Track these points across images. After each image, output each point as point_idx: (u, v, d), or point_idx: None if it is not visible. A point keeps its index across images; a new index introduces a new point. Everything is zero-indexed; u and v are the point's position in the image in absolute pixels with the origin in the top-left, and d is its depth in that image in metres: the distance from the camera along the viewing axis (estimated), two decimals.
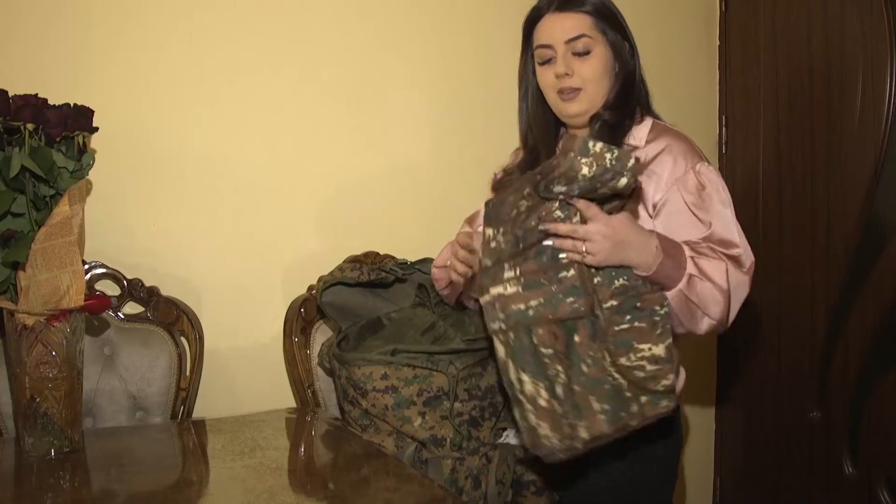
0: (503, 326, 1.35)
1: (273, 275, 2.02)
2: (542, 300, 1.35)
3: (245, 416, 1.80)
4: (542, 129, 1.64)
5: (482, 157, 2.00)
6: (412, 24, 2.13)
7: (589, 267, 1.37)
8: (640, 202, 1.52)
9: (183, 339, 1.89)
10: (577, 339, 1.35)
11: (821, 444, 2.23)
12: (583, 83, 1.54)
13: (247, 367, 1.99)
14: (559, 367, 1.34)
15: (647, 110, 1.62)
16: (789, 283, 2.32)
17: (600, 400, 1.34)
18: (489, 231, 1.37)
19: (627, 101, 1.58)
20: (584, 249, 1.34)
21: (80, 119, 1.51)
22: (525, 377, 1.34)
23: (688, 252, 1.42)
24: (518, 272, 1.36)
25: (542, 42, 1.56)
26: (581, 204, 1.33)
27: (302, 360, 1.93)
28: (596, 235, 1.33)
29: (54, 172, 1.47)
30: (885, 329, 2.06)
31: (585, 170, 1.28)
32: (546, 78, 1.58)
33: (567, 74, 1.54)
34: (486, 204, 1.39)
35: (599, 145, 1.28)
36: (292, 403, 1.98)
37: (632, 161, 1.29)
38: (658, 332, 1.36)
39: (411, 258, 1.94)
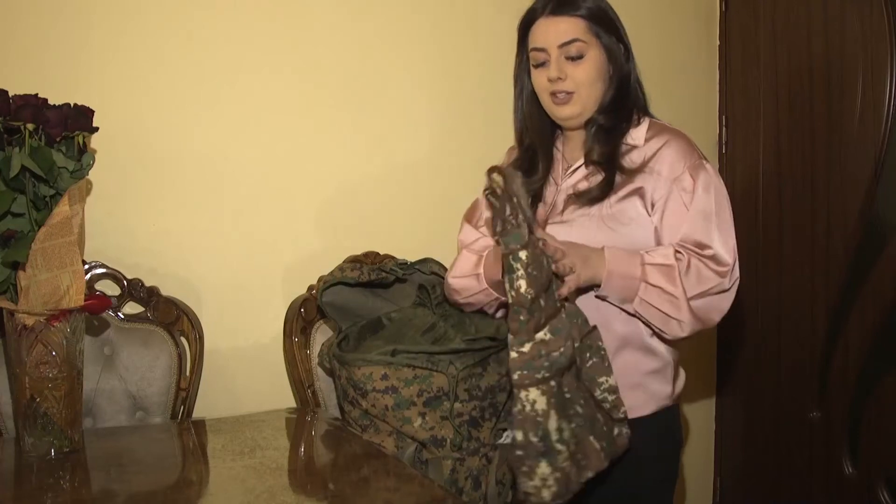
0: (546, 375, 1.34)
1: (273, 275, 2.02)
2: (566, 344, 1.37)
3: (245, 416, 1.80)
4: (537, 129, 1.65)
5: (482, 157, 1.99)
6: (412, 25, 2.13)
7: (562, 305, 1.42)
8: (640, 197, 1.52)
9: (183, 339, 1.89)
10: (569, 379, 1.40)
11: (821, 444, 2.23)
12: (576, 87, 1.55)
13: (247, 367, 1.99)
14: (576, 409, 1.39)
15: (645, 112, 1.62)
16: (789, 283, 2.32)
17: (598, 438, 1.40)
18: (523, 254, 1.31)
19: (623, 105, 1.58)
20: (568, 269, 1.41)
21: (80, 119, 1.51)
22: (565, 425, 1.35)
23: (645, 259, 1.47)
24: (544, 318, 1.35)
25: (536, 45, 1.57)
26: (539, 231, 1.39)
27: (302, 360, 1.93)
28: (567, 255, 1.41)
29: (54, 172, 1.47)
30: (885, 329, 2.06)
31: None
32: (540, 81, 1.58)
33: (560, 79, 1.54)
34: (498, 230, 1.32)
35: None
36: (292, 403, 1.98)
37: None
38: (606, 364, 1.46)
39: (411, 258, 1.94)
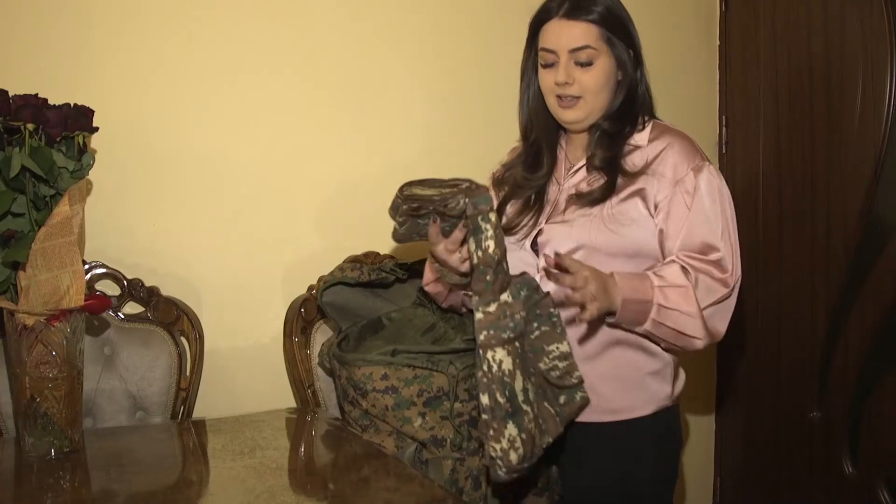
0: (511, 336, 1.37)
1: (273, 275, 2.02)
2: (521, 310, 1.39)
3: (245, 416, 1.80)
4: (543, 127, 1.64)
5: (482, 157, 1.99)
6: (412, 25, 2.13)
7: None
8: (642, 199, 1.52)
9: (183, 339, 1.89)
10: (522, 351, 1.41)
11: (821, 445, 2.23)
12: (582, 92, 1.54)
13: (247, 367, 1.99)
14: (530, 371, 1.42)
15: (650, 115, 1.61)
16: (789, 283, 2.32)
17: (551, 404, 1.42)
18: (493, 216, 1.36)
19: (629, 111, 1.57)
20: (592, 293, 1.36)
21: (80, 119, 1.51)
22: (529, 385, 1.38)
23: (656, 282, 1.45)
24: (507, 281, 1.39)
25: (547, 46, 1.55)
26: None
27: (302, 360, 1.93)
28: (591, 281, 1.37)
29: (54, 172, 1.47)
30: (885, 329, 2.06)
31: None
32: (547, 82, 1.57)
33: (567, 83, 1.53)
34: (471, 190, 1.36)
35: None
36: (292, 403, 1.98)
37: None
38: (558, 330, 1.45)
39: (411, 258, 1.94)
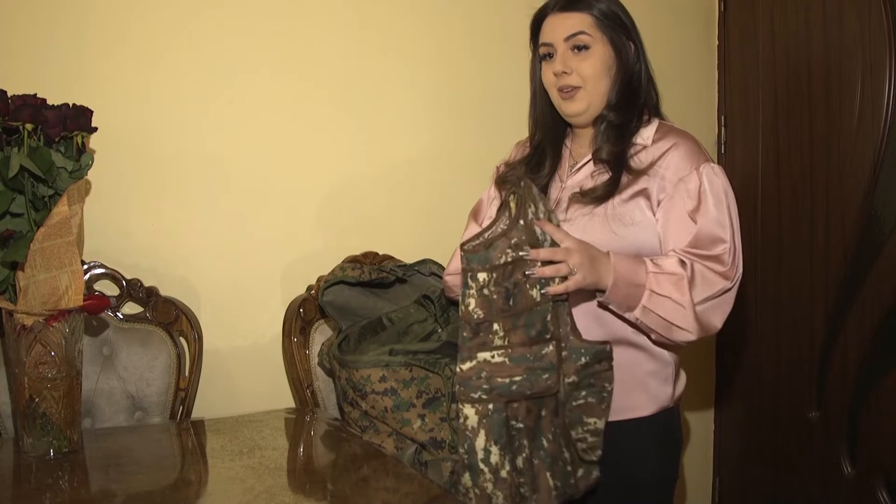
0: (483, 396, 1.36)
1: (272, 275, 2.02)
2: (525, 376, 1.36)
3: (244, 416, 1.80)
4: (548, 126, 1.65)
5: (481, 157, 2.00)
6: (411, 26, 2.13)
7: (563, 344, 1.39)
8: (646, 199, 1.52)
9: (182, 340, 1.89)
10: (543, 413, 1.39)
11: (820, 445, 2.24)
12: (581, 81, 1.55)
13: (246, 368, 1.99)
14: (525, 441, 1.38)
15: (656, 113, 1.62)
16: (788, 282, 2.32)
17: (554, 476, 1.39)
18: (482, 276, 1.34)
19: (633, 103, 1.58)
20: (571, 266, 1.37)
21: (78, 119, 1.51)
22: (494, 448, 1.36)
23: (650, 268, 1.45)
24: (507, 341, 1.36)
25: (544, 40, 1.58)
26: (549, 227, 1.38)
27: (301, 361, 1.93)
28: (574, 255, 1.37)
29: (53, 172, 1.47)
30: (884, 329, 2.06)
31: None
32: (548, 76, 1.59)
33: (565, 72, 1.54)
34: (465, 247, 1.36)
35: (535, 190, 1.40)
36: (291, 404, 1.98)
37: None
38: (603, 406, 1.43)
39: (411, 259, 1.94)
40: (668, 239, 1.51)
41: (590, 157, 1.59)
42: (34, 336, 1.48)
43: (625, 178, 1.53)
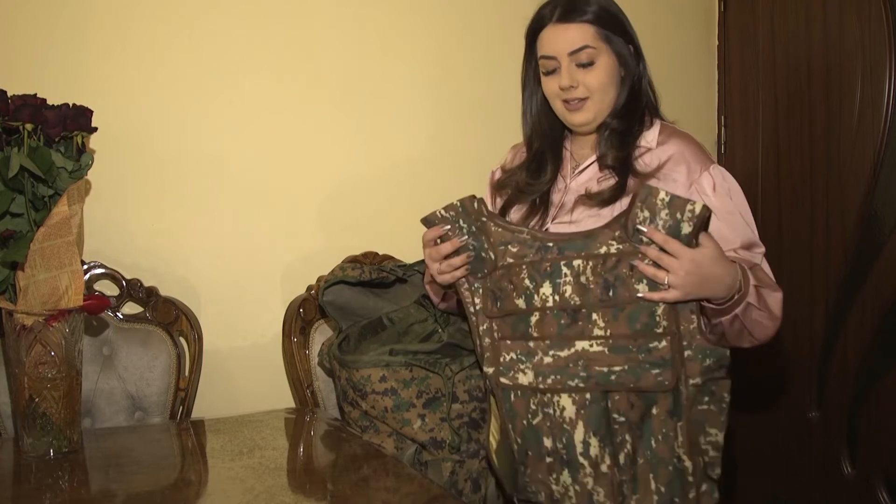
0: (581, 385, 1.33)
1: (272, 275, 2.02)
2: (626, 367, 1.32)
3: (244, 416, 1.80)
4: (547, 132, 1.63)
5: (481, 157, 2.00)
6: (411, 26, 2.13)
7: (678, 340, 1.33)
8: None
9: (182, 340, 1.89)
10: (655, 411, 1.33)
11: (820, 445, 2.24)
12: (588, 93, 1.53)
13: (246, 368, 1.99)
14: (627, 437, 1.34)
15: (656, 113, 1.61)
16: (788, 282, 2.31)
17: (658, 480, 1.33)
18: (578, 262, 1.34)
19: (636, 107, 1.57)
20: (665, 280, 1.30)
21: (78, 119, 1.51)
22: (593, 440, 1.34)
23: (752, 280, 1.40)
24: (608, 332, 1.33)
25: (546, 53, 1.54)
26: (658, 237, 1.30)
27: (301, 361, 1.93)
28: (679, 271, 1.30)
29: (53, 172, 1.47)
30: (884, 329, 2.06)
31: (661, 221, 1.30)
32: (551, 88, 1.56)
33: (572, 87, 1.52)
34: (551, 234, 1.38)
35: (661, 197, 1.29)
36: (291, 404, 1.98)
37: (690, 210, 1.28)
38: (722, 419, 1.37)
39: (410, 259, 1.94)
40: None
41: (593, 158, 1.58)
42: (34, 336, 1.48)
43: (631, 181, 1.53)
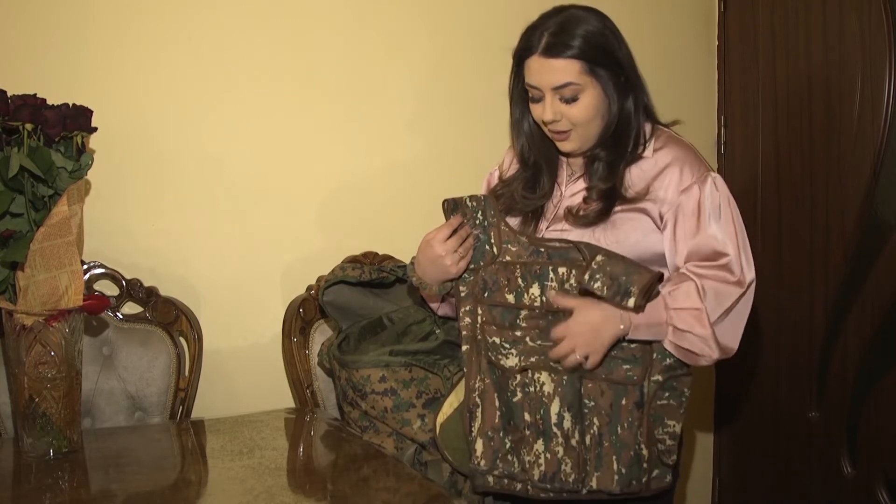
0: (559, 367, 1.46)
1: (272, 275, 2.02)
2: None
3: (244, 416, 1.80)
4: (541, 148, 1.62)
5: (480, 157, 2.00)
6: (410, 26, 2.13)
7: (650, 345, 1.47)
8: (645, 214, 1.52)
9: (182, 340, 1.89)
10: (623, 402, 1.46)
11: (820, 445, 2.24)
12: (572, 126, 1.51)
13: (246, 368, 1.99)
14: (596, 420, 1.46)
15: (654, 121, 1.60)
16: (788, 283, 2.32)
17: (620, 462, 1.45)
18: (562, 270, 1.47)
19: (625, 135, 1.54)
20: (579, 356, 1.43)
21: (78, 119, 1.51)
22: (567, 415, 1.46)
23: (669, 303, 1.45)
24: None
25: (531, 83, 1.52)
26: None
27: (301, 361, 1.93)
28: (576, 338, 1.43)
29: (53, 172, 1.47)
30: (884, 329, 2.06)
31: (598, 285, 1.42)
32: (538, 114, 1.54)
33: (555, 120, 1.51)
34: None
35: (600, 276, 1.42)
36: (291, 404, 1.98)
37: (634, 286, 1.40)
38: (681, 411, 1.51)
39: (410, 259, 1.93)
40: (675, 255, 1.50)
41: (585, 183, 1.58)
42: (34, 336, 1.48)
43: (618, 207, 1.53)
